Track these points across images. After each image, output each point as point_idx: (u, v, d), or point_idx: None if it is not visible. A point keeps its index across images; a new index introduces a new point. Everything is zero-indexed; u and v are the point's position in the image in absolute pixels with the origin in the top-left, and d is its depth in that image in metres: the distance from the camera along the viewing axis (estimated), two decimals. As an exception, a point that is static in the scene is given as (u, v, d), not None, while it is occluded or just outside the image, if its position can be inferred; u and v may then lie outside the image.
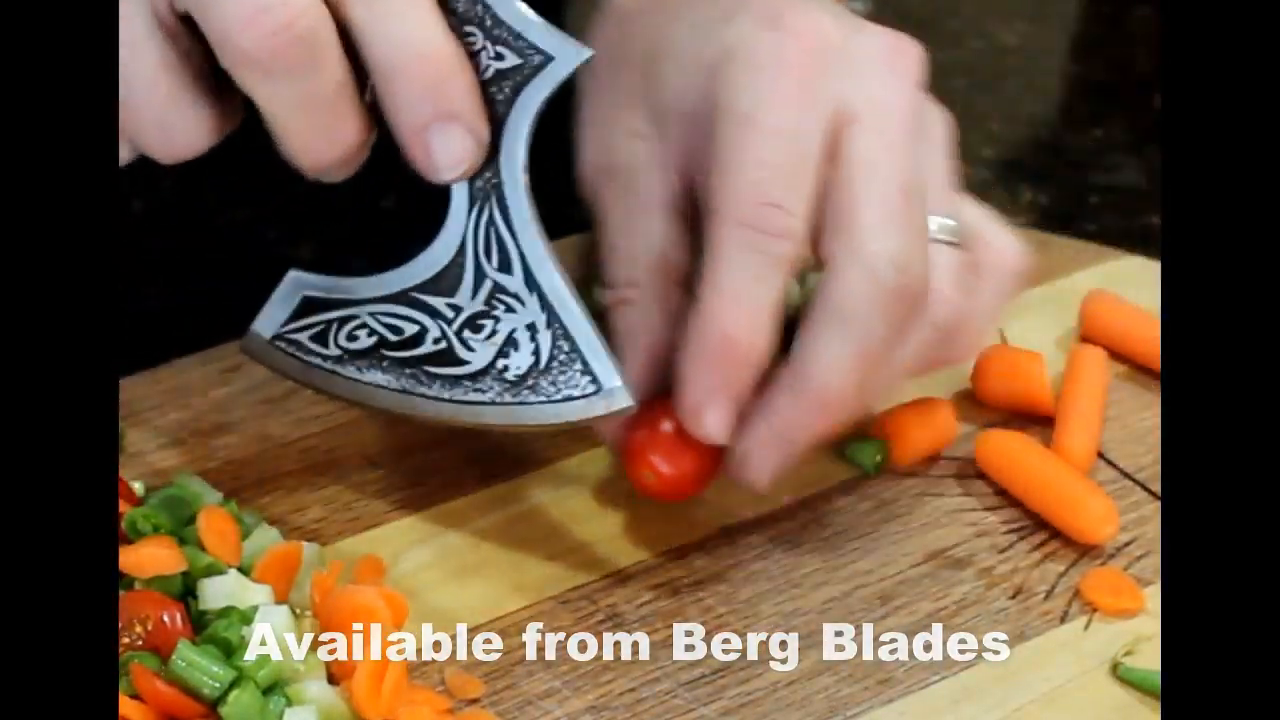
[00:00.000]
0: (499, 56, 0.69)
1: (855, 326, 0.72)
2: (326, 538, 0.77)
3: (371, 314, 0.75)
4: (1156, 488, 0.82)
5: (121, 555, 0.71)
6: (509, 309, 0.73)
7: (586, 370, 0.73)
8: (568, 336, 0.73)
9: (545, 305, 0.73)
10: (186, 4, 0.67)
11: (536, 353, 0.73)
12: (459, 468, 0.81)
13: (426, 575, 0.76)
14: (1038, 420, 0.84)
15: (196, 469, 0.79)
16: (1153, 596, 0.77)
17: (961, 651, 0.74)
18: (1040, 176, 1.06)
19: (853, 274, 0.72)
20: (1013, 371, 0.85)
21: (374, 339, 0.76)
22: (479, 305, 0.74)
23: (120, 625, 0.70)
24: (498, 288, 0.73)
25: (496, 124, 0.70)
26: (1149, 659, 0.74)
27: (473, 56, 0.69)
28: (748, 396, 0.73)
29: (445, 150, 0.69)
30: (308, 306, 0.76)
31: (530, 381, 0.74)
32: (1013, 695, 0.73)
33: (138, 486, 0.77)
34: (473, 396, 0.75)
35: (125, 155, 0.71)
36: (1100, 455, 0.83)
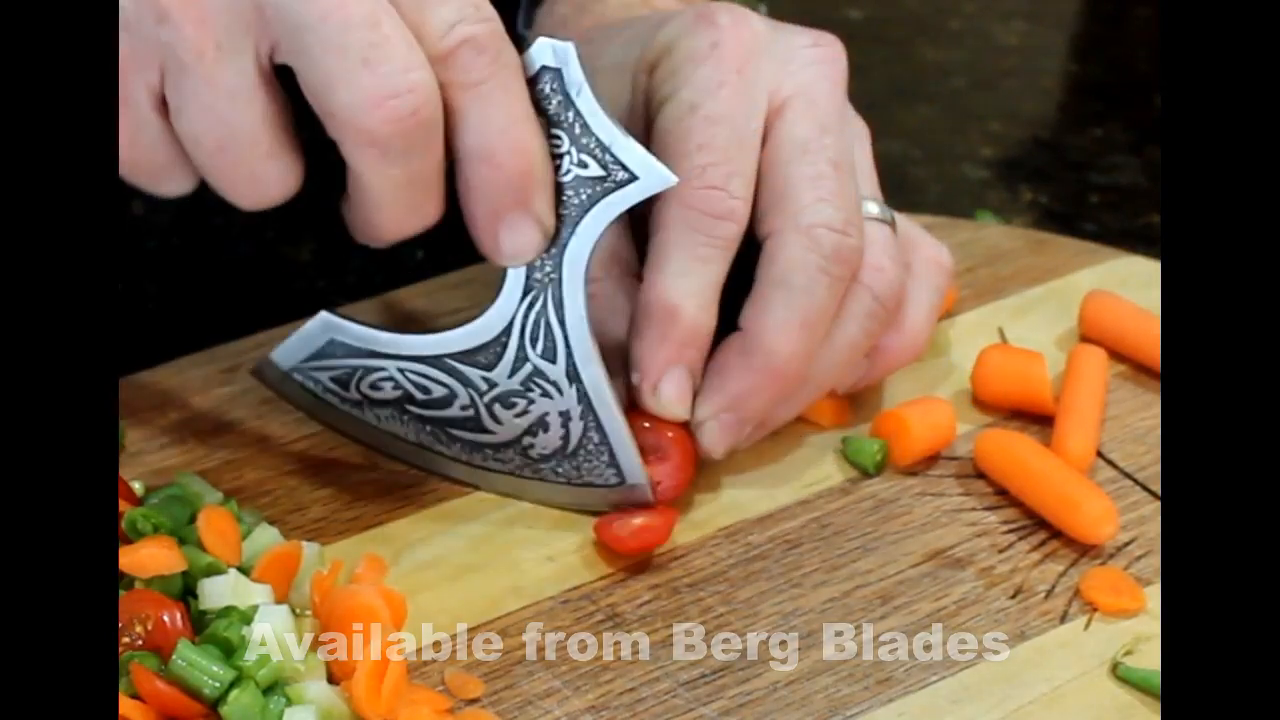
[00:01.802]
0: (582, 164, 0.72)
1: (797, 291, 0.76)
2: (326, 538, 0.77)
3: (400, 369, 0.76)
4: (1156, 487, 0.82)
5: (121, 555, 0.71)
6: (545, 394, 0.76)
7: (613, 464, 0.76)
8: (600, 429, 0.76)
9: (583, 398, 0.75)
10: (296, 64, 0.68)
11: (566, 438, 0.76)
12: (459, 467, 0.81)
13: (426, 575, 0.76)
14: (1038, 420, 0.84)
15: (196, 469, 0.79)
16: (1153, 596, 0.77)
17: (961, 651, 0.74)
18: (1040, 176, 1.06)
19: (792, 242, 0.77)
20: (1013, 371, 0.85)
21: (399, 393, 0.77)
22: (515, 384, 0.76)
23: (120, 625, 0.70)
24: (537, 372, 0.75)
25: (567, 224, 0.72)
26: (1149, 659, 0.74)
27: (555, 158, 0.71)
28: (700, 370, 0.77)
29: (512, 240, 0.72)
30: (332, 349, 0.77)
31: (554, 463, 0.77)
32: (1013, 695, 0.73)
33: (138, 486, 0.77)
34: (492, 464, 0.78)
35: (191, 186, 0.72)
36: (1100, 455, 0.83)
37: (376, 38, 0.67)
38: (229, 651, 0.69)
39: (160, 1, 0.67)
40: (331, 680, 0.71)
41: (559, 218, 0.72)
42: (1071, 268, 0.93)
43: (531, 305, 0.74)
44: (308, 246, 0.94)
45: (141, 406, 0.83)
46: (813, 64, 0.79)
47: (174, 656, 0.68)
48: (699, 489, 0.80)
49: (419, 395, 0.77)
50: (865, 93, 0.87)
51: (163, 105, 0.70)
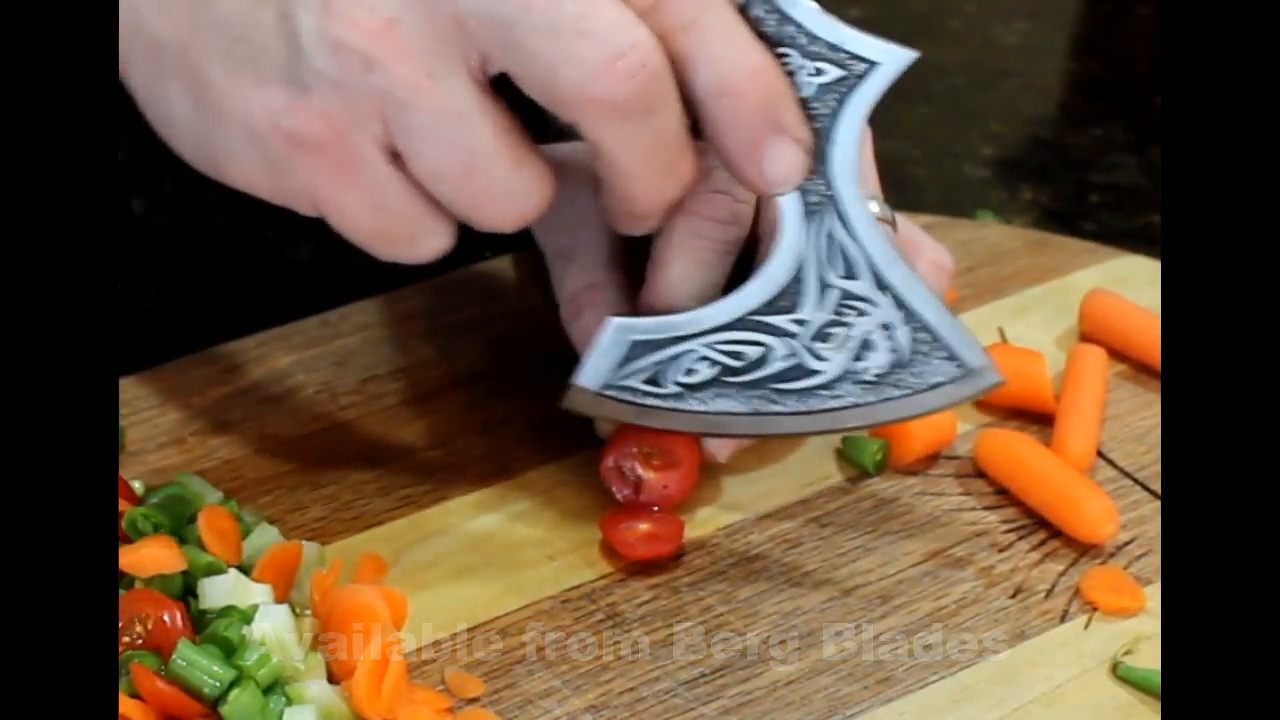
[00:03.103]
0: (818, 72, 0.70)
1: None
2: (326, 537, 0.77)
3: (708, 345, 0.75)
4: (1156, 487, 0.82)
5: (121, 555, 0.71)
6: (860, 313, 0.74)
7: (951, 356, 0.74)
8: (927, 328, 0.74)
9: (899, 303, 0.74)
10: (511, 63, 0.67)
11: (895, 349, 0.74)
12: (459, 467, 0.81)
13: (426, 575, 0.76)
14: (1038, 419, 0.84)
15: (196, 468, 0.79)
16: (1153, 596, 0.77)
17: (961, 651, 0.74)
18: (1040, 176, 1.06)
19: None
20: (1013, 371, 0.85)
21: (715, 369, 0.75)
22: (827, 315, 0.74)
23: (120, 625, 0.70)
24: (845, 295, 0.74)
25: (824, 136, 0.71)
26: (1149, 658, 0.74)
27: (790, 76, 0.70)
28: None
29: (777, 165, 0.70)
30: (635, 352, 0.75)
31: (892, 377, 0.75)
32: (1013, 695, 0.73)
33: (138, 486, 0.77)
34: (830, 404, 0.76)
35: (450, 240, 0.71)
36: (1100, 454, 0.83)
37: (583, 7, 0.66)
38: (229, 651, 0.69)
39: (363, 49, 0.66)
40: (331, 680, 0.71)
41: (816, 130, 0.71)
42: (1071, 267, 0.93)
43: (818, 230, 0.73)
44: (308, 246, 0.94)
45: (141, 406, 0.83)
46: None
47: (174, 656, 0.68)
48: (699, 488, 0.80)
49: (735, 364, 0.75)
50: (865, 92, 0.87)
51: (395, 157, 0.69)
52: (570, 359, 0.78)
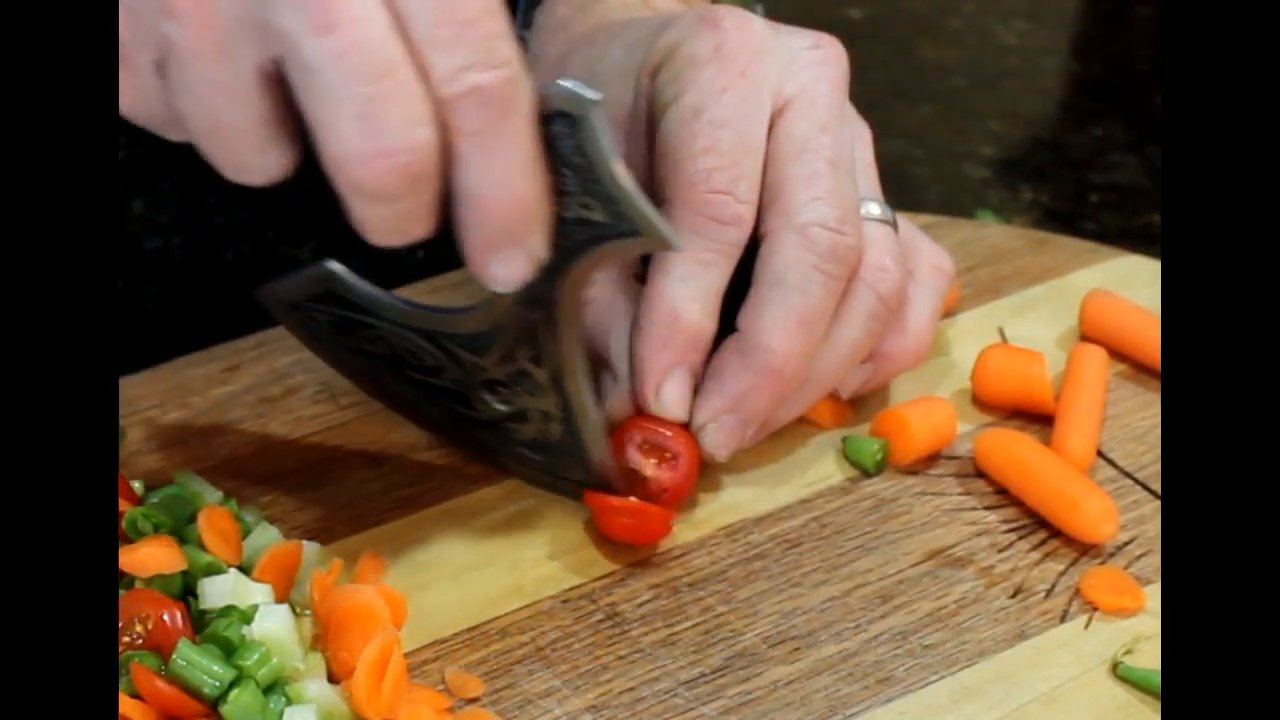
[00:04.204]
0: (586, 207, 0.71)
1: (792, 290, 0.76)
2: (326, 537, 0.77)
3: (395, 334, 0.77)
4: (1156, 486, 0.82)
5: (122, 554, 0.71)
6: (529, 392, 0.76)
7: (585, 468, 0.77)
8: (576, 436, 0.77)
9: (565, 408, 0.76)
10: (297, 89, 0.66)
11: (544, 433, 0.77)
12: (459, 468, 0.81)
13: (426, 575, 0.76)
14: (1038, 419, 0.84)
15: (197, 468, 0.79)
16: (1153, 595, 0.77)
17: (961, 651, 0.74)
18: (1040, 175, 1.06)
19: (787, 241, 0.77)
20: (1013, 371, 0.85)
21: (390, 353, 0.78)
22: (500, 375, 0.76)
23: (120, 624, 0.70)
24: (524, 372, 0.76)
25: (564, 254, 0.71)
26: (1149, 658, 0.74)
27: (561, 195, 0.70)
28: (700, 373, 0.78)
29: (503, 270, 0.70)
30: (330, 298, 0.77)
31: (530, 449, 0.78)
32: (1013, 695, 0.73)
33: (138, 485, 0.77)
34: (476, 434, 0.79)
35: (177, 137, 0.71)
36: (1100, 454, 0.83)
37: (378, 92, 0.65)
38: (229, 651, 0.69)
39: (169, 1, 0.66)
40: (331, 680, 0.71)
41: (560, 248, 0.71)
42: (1071, 267, 0.93)
43: (526, 316, 0.74)
44: (308, 246, 0.94)
45: (141, 406, 0.83)
46: (814, 65, 0.79)
47: (174, 656, 0.68)
48: (699, 488, 0.80)
49: (411, 360, 0.77)
50: (865, 93, 0.87)
51: (163, 72, 0.68)
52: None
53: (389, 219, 0.68)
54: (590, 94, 0.69)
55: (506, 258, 0.70)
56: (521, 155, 0.68)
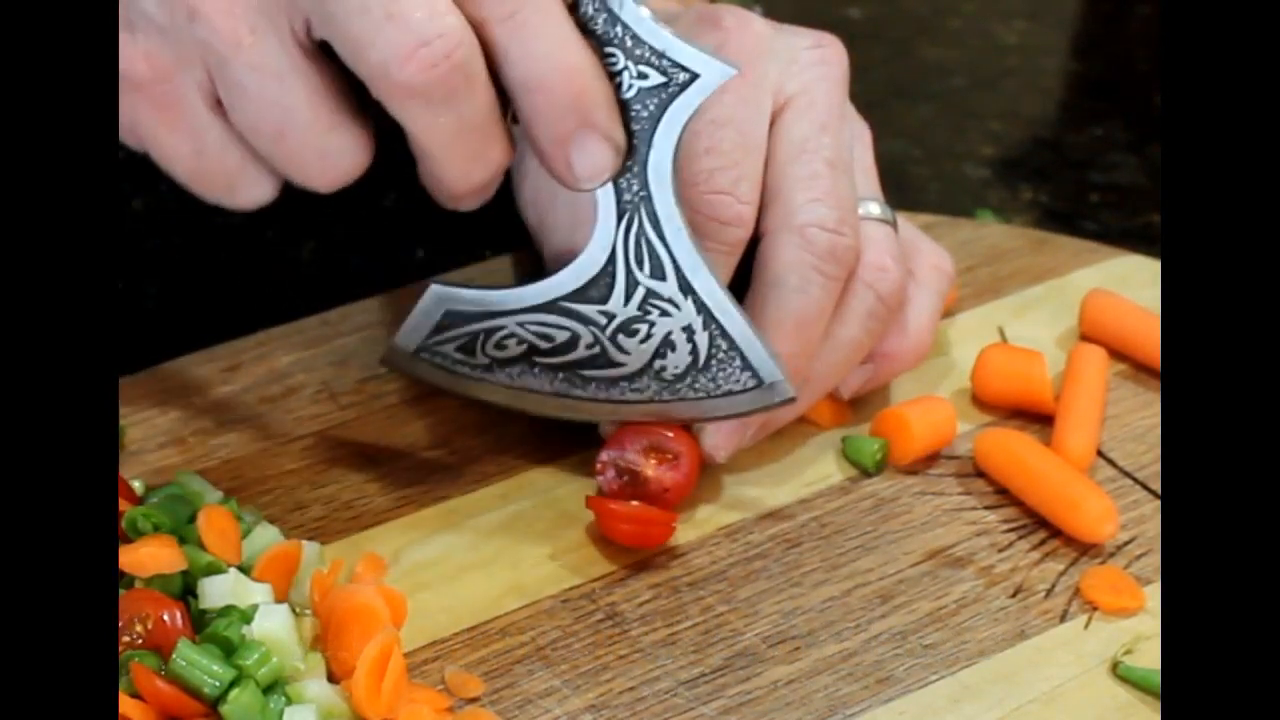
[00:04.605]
0: (642, 75, 0.71)
1: (791, 291, 0.76)
2: (326, 536, 0.77)
3: (519, 324, 0.76)
4: (1156, 486, 0.82)
5: (121, 554, 0.71)
6: (663, 313, 0.75)
7: (747, 367, 0.76)
8: (725, 335, 0.75)
9: (701, 308, 0.75)
10: (328, 34, 0.68)
11: (694, 352, 0.76)
12: (458, 467, 0.81)
13: (426, 574, 0.76)
14: (1038, 419, 0.84)
15: (196, 468, 0.79)
16: (1153, 595, 0.77)
17: (961, 651, 0.74)
18: (1040, 175, 1.06)
19: (786, 242, 0.77)
20: (1013, 370, 0.85)
21: (524, 347, 0.77)
22: (632, 311, 0.75)
23: (120, 624, 0.70)
24: (651, 294, 0.75)
25: (642, 138, 0.72)
26: (1149, 658, 0.74)
27: (613, 76, 0.71)
28: None
29: (585, 160, 0.71)
30: (451, 320, 0.77)
31: (689, 379, 0.76)
32: (1013, 695, 0.73)
33: (138, 485, 0.77)
34: (630, 396, 0.77)
35: (270, 192, 0.72)
36: (1100, 454, 0.83)
37: None
38: (229, 651, 0.69)
39: (188, 0, 0.67)
40: (331, 680, 0.71)
41: (631, 134, 0.71)
42: (1071, 267, 0.93)
43: (629, 228, 0.73)
44: (308, 246, 0.94)
45: (141, 406, 0.83)
46: (814, 65, 0.79)
47: (174, 656, 0.68)
48: (699, 488, 0.80)
49: (543, 345, 0.77)
50: (865, 92, 0.87)
51: (218, 104, 0.69)
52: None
53: (456, 132, 0.68)
54: None
55: (582, 143, 0.70)
56: (559, 27, 0.69)
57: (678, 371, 0.76)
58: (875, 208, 0.80)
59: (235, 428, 0.82)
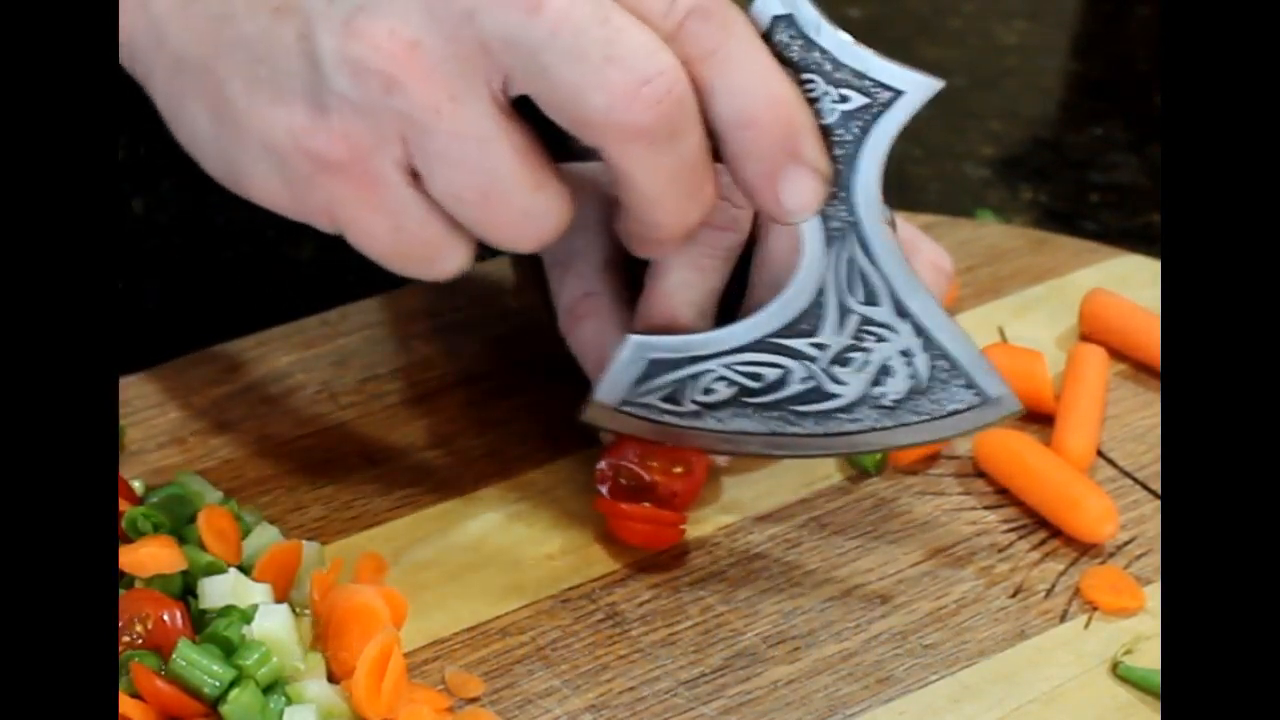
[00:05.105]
0: (843, 99, 0.70)
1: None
2: (326, 537, 0.77)
3: (727, 365, 0.75)
4: (1156, 486, 0.82)
5: (121, 554, 0.71)
6: (879, 339, 0.74)
7: (970, 384, 0.74)
8: (945, 355, 0.74)
9: (919, 330, 0.73)
10: (535, 88, 0.67)
11: (914, 376, 0.74)
12: (459, 467, 0.81)
13: (426, 574, 0.76)
14: (1038, 419, 0.84)
15: (196, 468, 0.79)
16: (1153, 595, 0.77)
17: (961, 651, 0.74)
18: (1040, 175, 1.06)
19: (778, 237, 0.75)
20: (1013, 370, 0.84)
21: (733, 389, 0.75)
22: (846, 340, 0.74)
23: (120, 624, 0.70)
24: (865, 320, 0.73)
25: (847, 163, 0.71)
26: (1149, 658, 0.74)
27: (813, 102, 0.70)
28: None
29: (794, 195, 0.70)
30: (654, 370, 0.75)
31: (910, 403, 0.75)
32: (1013, 694, 0.73)
33: (138, 485, 0.77)
34: (847, 427, 0.76)
35: (469, 258, 0.71)
36: (1100, 454, 0.83)
37: (610, 33, 0.65)
38: (229, 651, 0.69)
39: (384, 71, 0.66)
40: (331, 680, 0.71)
41: (835, 159, 0.70)
42: (1071, 267, 0.93)
43: (839, 255, 0.72)
44: (308, 246, 0.94)
45: (141, 406, 0.83)
46: None
47: (174, 656, 0.68)
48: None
49: (753, 385, 0.75)
50: (865, 92, 0.87)
51: (414, 178, 0.68)
52: (570, 362, 0.78)
53: (676, 171, 0.68)
54: None
55: (793, 178, 0.69)
56: (763, 60, 0.68)
57: (898, 397, 0.75)
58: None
59: (235, 428, 0.82)
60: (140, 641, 0.70)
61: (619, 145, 0.67)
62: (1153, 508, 0.81)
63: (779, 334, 0.74)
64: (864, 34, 0.70)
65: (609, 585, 0.77)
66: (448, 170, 0.67)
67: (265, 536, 0.75)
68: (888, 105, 0.69)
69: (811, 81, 0.69)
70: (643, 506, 0.76)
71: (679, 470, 0.77)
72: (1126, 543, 0.79)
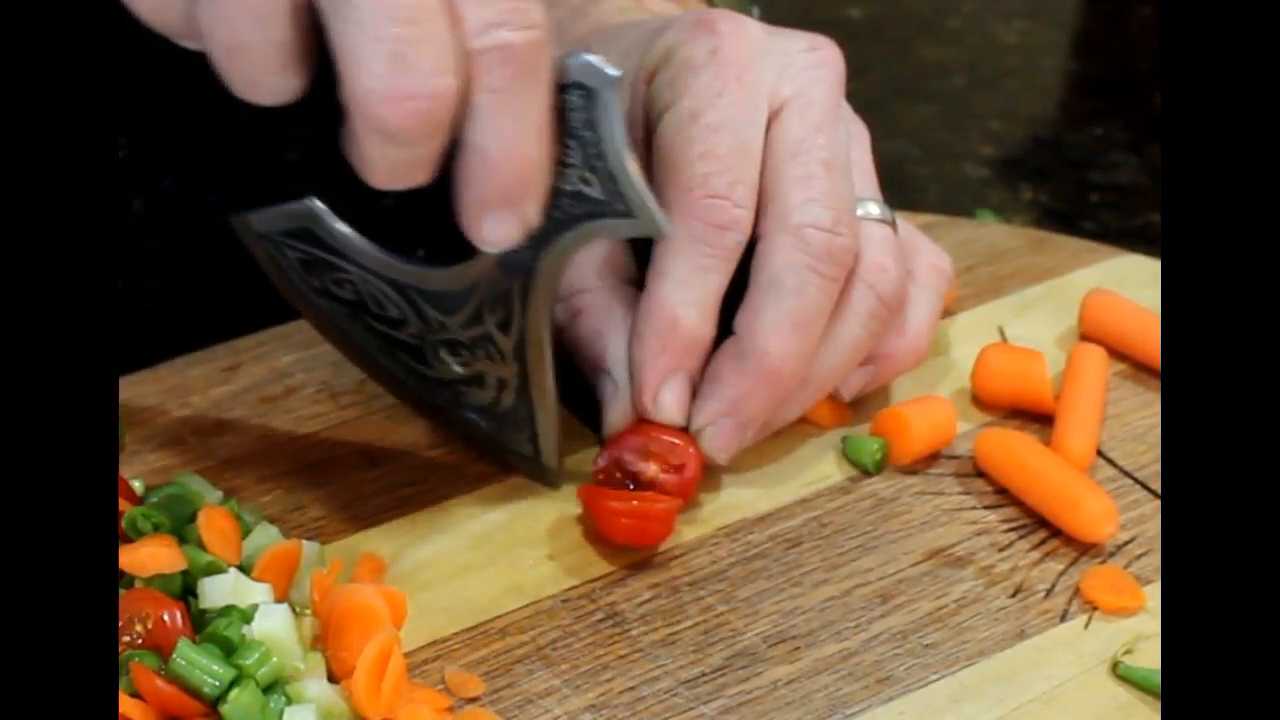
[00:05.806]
0: (586, 182, 0.71)
1: (788, 291, 0.76)
2: (326, 536, 0.77)
3: (364, 279, 0.77)
4: (1156, 486, 0.82)
5: (121, 554, 0.71)
6: (489, 357, 0.76)
7: (533, 441, 0.78)
8: (529, 408, 0.77)
9: (522, 377, 0.76)
10: (330, 25, 0.66)
11: (497, 402, 0.78)
12: (459, 467, 0.81)
13: (426, 574, 0.76)
14: (1038, 419, 0.84)
15: (196, 468, 0.79)
16: (1153, 595, 0.77)
17: (961, 651, 0.74)
18: (1040, 175, 1.06)
19: (782, 243, 0.77)
20: (1013, 370, 0.85)
21: (356, 299, 0.77)
22: (464, 337, 0.76)
23: (120, 624, 0.70)
24: (488, 338, 0.76)
25: (557, 226, 0.72)
26: (1149, 658, 0.74)
27: (563, 166, 0.71)
28: (699, 377, 0.78)
29: (494, 230, 0.71)
30: (306, 235, 0.77)
31: (480, 415, 0.78)
32: (1013, 694, 0.73)
33: (138, 485, 0.77)
34: (423, 394, 0.79)
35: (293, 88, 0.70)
36: (1100, 454, 0.83)
37: (413, 34, 0.65)
38: (229, 651, 0.69)
39: None
40: (331, 679, 0.71)
41: (552, 219, 0.72)
42: (1071, 266, 0.93)
43: (502, 279, 0.74)
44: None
45: (141, 406, 0.83)
46: (810, 68, 0.79)
47: (174, 655, 0.68)
48: (699, 488, 0.80)
49: (374, 309, 0.77)
50: (865, 92, 0.87)
51: None
52: (571, 362, 0.78)
53: (397, 162, 0.68)
54: (611, 70, 0.70)
55: (500, 218, 0.70)
56: (535, 119, 0.69)
57: (473, 404, 0.78)
58: (874, 208, 0.80)
59: (235, 428, 0.82)
60: (140, 641, 0.70)
61: (360, 120, 0.67)
62: (1153, 508, 0.81)
63: (420, 293, 0.76)
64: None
65: (609, 585, 0.77)
66: (215, 14, 0.66)
67: (265, 536, 0.75)
68: (614, 216, 0.72)
69: (571, 149, 0.71)
70: (629, 502, 0.76)
71: (671, 463, 0.77)
72: (1126, 543, 0.79)
